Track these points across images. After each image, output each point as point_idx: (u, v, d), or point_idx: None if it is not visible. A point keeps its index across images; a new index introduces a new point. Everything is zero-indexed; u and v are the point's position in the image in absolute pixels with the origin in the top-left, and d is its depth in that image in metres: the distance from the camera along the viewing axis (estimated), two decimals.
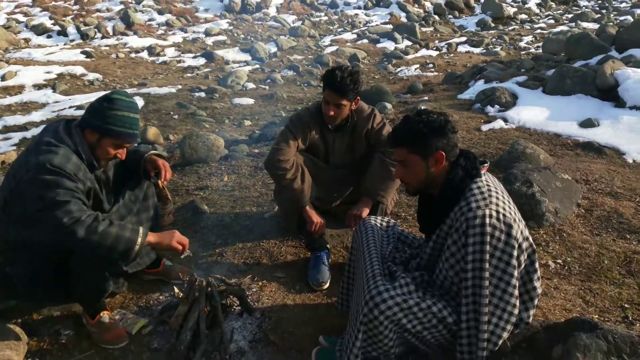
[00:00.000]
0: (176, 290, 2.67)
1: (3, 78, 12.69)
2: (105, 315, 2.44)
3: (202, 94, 11.43)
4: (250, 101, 10.84)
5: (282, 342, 2.46)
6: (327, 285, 2.91)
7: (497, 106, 6.53)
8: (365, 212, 3.01)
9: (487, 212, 1.83)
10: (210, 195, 3.98)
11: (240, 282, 2.84)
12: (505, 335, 1.93)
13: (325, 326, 2.57)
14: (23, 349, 2.31)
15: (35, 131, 8.84)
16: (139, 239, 2.24)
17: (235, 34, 18.44)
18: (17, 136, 8.58)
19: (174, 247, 2.39)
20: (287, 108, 10.02)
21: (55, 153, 2.18)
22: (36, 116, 10.06)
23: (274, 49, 16.03)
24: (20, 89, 12.02)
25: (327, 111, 2.98)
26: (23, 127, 9.12)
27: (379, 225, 2.49)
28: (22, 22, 19.30)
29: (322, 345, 2.40)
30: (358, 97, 3.03)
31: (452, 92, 8.47)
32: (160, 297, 2.76)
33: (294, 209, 3.05)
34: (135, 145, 2.75)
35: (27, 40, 17.52)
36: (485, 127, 5.75)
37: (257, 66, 14.35)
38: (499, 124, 5.86)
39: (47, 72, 13.22)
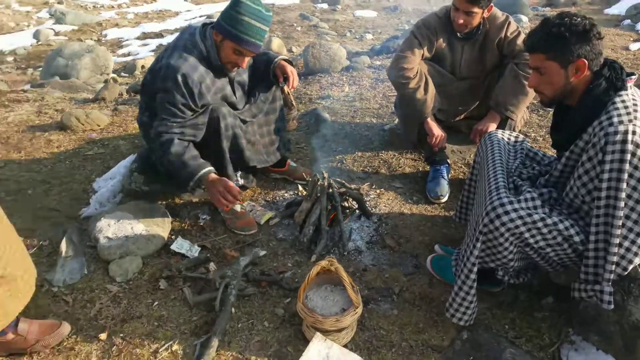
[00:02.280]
0: (300, 188, 2.82)
1: None
2: (237, 205, 2.65)
3: (325, 5, 11.32)
4: (373, 14, 10.56)
5: (397, 246, 2.53)
6: (445, 199, 2.90)
7: None
8: (492, 127, 2.90)
9: (631, 128, 1.68)
10: (331, 105, 4.03)
11: (359, 187, 2.92)
12: (637, 261, 1.82)
13: (442, 236, 2.60)
14: (168, 227, 2.60)
15: (170, 38, 9.32)
16: (195, 177, 2.39)
17: None
18: (154, 42, 9.16)
19: (218, 204, 2.45)
20: (411, 21, 9.64)
21: (185, 60, 2.34)
22: (170, 24, 10.61)
23: None
24: None
25: (457, 19, 2.81)
26: (159, 34, 9.70)
27: (506, 139, 2.39)
28: None
29: (438, 253, 2.44)
30: (491, 4, 2.83)
31: (598, 6, 7.63)
32: (286, 195, 2.92)
33: (414, 120, 3.00)
34: (265, 48, 2.82)
35: None
36: (634, 46, 5.16)
37: None
38: None
39: None
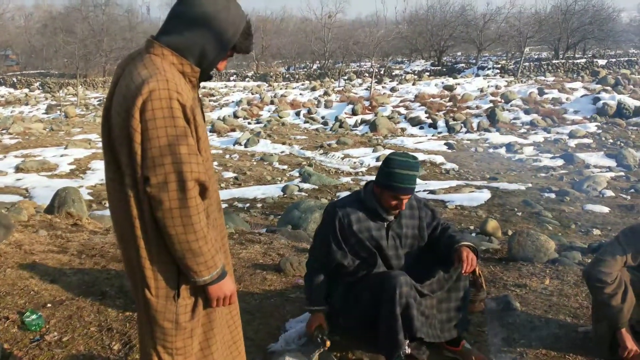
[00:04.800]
0: None
1: (378, 159, 15.02)
2: None
3: (552, 195, 11.15)
4: (605, 209, 10.04)
5: None
6: None
7: None
8: None
9: None
10: (526, 294, 3.95)
11: None
12: None
13: None
14: None
15: None
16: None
17: (603, 138, 17.37)
18: None
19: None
20: None
21: (340, 201, 3.00)
22: None
23: None
24: None
25: None
26: None
27: None
28: (403, 114, 22.54)
29: None
30: None
31: None
32: None
33: (607, 327, 2.83)
34: (454, 231, 3.05)
35: (403, 130, 20.34)
36: None
37: (622, 174, 13.18)
38: None
39: None
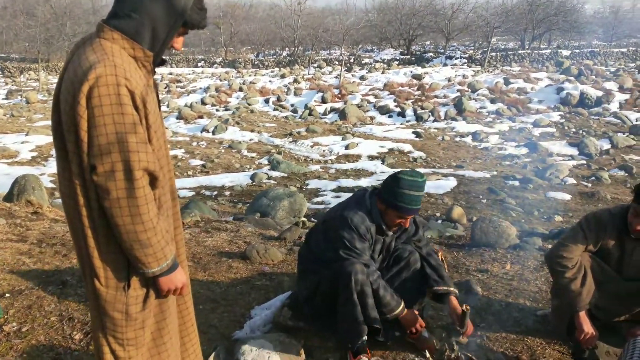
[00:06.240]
0: (427, 355, 2.85)
1: (347, 147, 15.07)
2: (364, 358, 2.77)
3: (516, 183, 11.37)
4: (567, 197, 10.30)
5: None
6: None
7: None
8: None
9: None
10: (487, 279, 4.03)
11: None
12: None
13: None
14: None
15: None
16: (397, 311, 2.76)
17: (566, 127, 17.77)
18: (345, 196, 10.08)
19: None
20: (611, 211, 9.16)
21: (356, 213, 2.76)
22: (364, 182, 11.60)
23: (606, 146, 14.86)
24: (357, 157, 14.09)
25: (636, 225, 2.80)
26: (351, 190, 10.66)
27: None
28: (372, 102, 22.58)
29: None
30: None
31: None
32: (416, 359, 2.96)
33: (566, 311, 2.91)
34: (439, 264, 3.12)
35: (372, 118, 20.41)
36: None
37: (583, 162, 13.53)
38: None
39: (381, 147, 15.13)
